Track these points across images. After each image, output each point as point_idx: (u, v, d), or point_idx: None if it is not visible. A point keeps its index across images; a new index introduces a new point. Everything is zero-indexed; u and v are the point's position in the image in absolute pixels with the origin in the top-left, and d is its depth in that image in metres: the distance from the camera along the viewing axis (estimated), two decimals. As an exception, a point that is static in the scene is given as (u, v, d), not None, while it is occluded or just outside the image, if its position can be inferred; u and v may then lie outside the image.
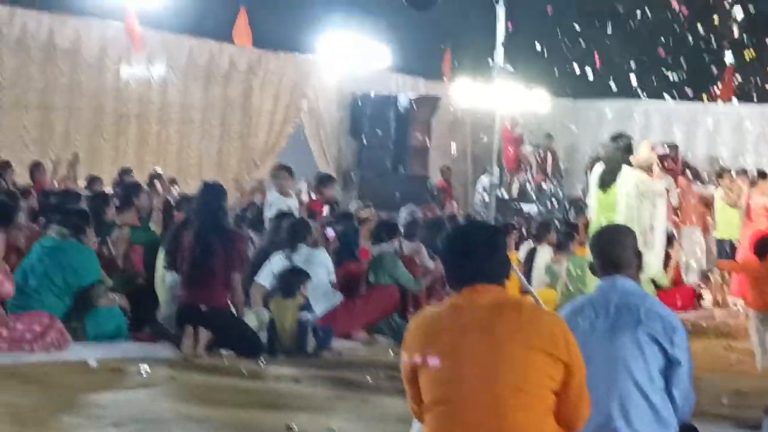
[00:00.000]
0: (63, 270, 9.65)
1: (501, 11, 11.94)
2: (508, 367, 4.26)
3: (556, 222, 17.17)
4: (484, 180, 23.48)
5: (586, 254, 8.67)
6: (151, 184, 16.21)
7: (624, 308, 5.29)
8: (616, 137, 12.31)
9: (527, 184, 24.90)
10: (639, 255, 5.64)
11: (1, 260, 9.15)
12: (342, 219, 14.04)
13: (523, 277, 13.19)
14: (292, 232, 11.65)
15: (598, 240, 5.71)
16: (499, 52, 12.25)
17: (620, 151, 11.98)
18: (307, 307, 10.50)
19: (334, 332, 10.99)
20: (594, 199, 12.27)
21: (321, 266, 11.49)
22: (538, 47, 24.54)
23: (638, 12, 27.24)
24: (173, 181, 18.28)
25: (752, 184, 17.99)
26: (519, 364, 4.27)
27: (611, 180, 11.99)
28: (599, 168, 12.34)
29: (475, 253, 4.52)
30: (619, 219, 11.30)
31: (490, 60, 12.86)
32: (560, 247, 14.72)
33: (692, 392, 5.33)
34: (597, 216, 12.09)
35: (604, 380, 5.10)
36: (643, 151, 12.90)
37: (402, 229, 13.66)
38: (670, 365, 5.21)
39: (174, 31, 22.24)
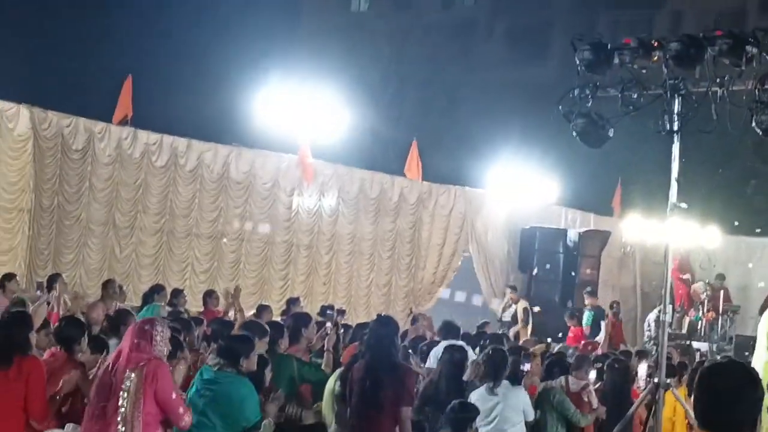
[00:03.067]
0: (218, 405, 9.38)
1: (676, 148, 11.76)
2: None
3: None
4: (653, 316, 23.15)
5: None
6: (322, 315, 16.23)
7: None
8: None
9: (698, 322, 24.44)
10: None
11: (179, 390, 9.11)
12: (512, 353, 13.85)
13: (690, 411, 12.84)
14: (494, 363, 11.41)
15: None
16: (674, 188, 12.04)
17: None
18: (474, 443, 10.33)
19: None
20: (764, 349, 11.82)
21: (515, 407, 11.17)
22: (712, 185, 24.32)
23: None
24: (342, 312, 18.35)
25: None
26: None
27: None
28: None
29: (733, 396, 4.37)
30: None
31: (663, 196, 12.68)
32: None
33: None
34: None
35: None
36: None
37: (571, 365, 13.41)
38: None
39: (346, 164, 22.67)
